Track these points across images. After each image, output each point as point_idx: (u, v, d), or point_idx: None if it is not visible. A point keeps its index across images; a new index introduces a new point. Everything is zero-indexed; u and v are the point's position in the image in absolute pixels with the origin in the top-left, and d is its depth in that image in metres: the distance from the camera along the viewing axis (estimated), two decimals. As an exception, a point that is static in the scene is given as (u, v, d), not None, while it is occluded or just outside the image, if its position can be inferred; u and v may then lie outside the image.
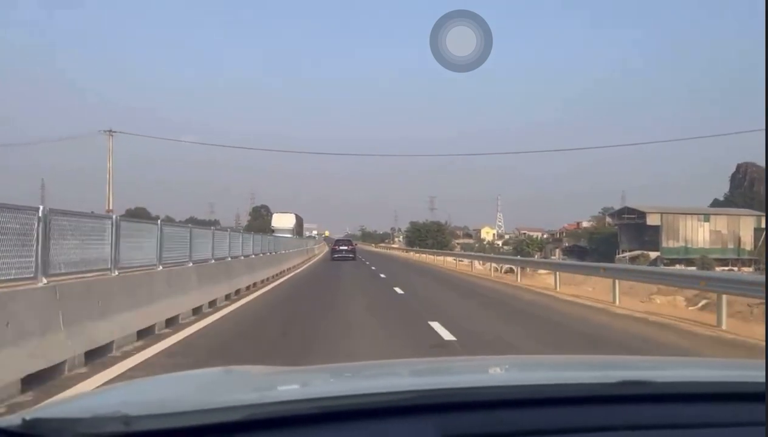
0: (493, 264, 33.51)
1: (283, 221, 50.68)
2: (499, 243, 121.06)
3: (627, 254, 58.45)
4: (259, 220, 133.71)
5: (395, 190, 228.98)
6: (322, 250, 62.12)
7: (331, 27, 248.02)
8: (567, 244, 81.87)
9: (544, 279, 25.14)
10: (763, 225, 53.52)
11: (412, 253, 57.36)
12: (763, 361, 1.47)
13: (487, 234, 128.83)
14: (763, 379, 1.23)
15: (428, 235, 76.17)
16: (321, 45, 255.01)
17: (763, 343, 7.73)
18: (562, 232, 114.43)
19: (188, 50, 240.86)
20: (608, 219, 73.29)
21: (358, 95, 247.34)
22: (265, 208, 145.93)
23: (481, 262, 33.49)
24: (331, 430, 1.09)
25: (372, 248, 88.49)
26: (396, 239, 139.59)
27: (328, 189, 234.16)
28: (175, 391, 1.43)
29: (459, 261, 37.47)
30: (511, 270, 32.85)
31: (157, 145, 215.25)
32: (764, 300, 9.77)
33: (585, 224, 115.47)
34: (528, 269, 25.81)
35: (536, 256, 63.98)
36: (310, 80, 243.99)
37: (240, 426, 1.05)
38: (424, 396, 1.20)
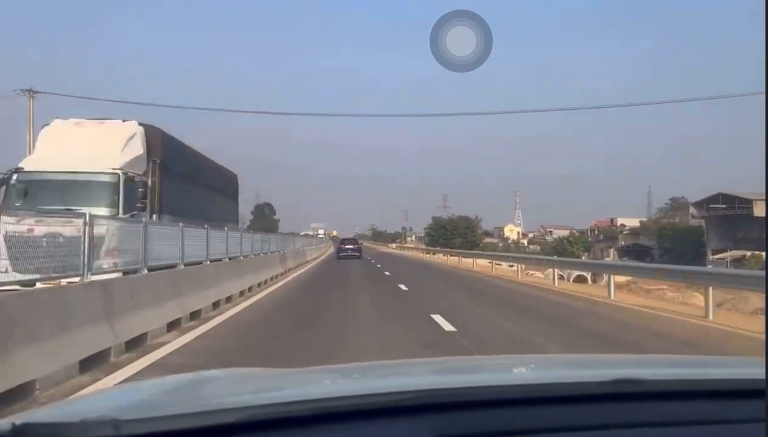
0: (550, 269, 23.24)
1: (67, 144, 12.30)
2: (524, 242, 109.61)
3: (727, 255, 45.85)
4: (262, 220, 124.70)
5: (405, 189, 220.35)
6: (326, 251, 52.31)
7: (336, 24, 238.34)
8: (623, 243, 68.93)
9: (693, 299, 16.97)
10: None
11: (439, 255, 45.10)
12: (761, 358, 1.50)
13: (511, 232, 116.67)
14: (760, 376, 1.22)
15: (455, 233, 63.94)
16: (321, 42, 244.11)
17: None
18: (594, 230, 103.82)
19: (187, 48, 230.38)
20: (692, 211, 59.63)
21: (358, 93, 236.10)
22: (269, 206, 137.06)
23: (523, 266, 26.50)
24: (324, 432, 1.08)
25: (386, 249, 75.38)
26: (408, 238, 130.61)
27: (336, 189, 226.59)
28: (168, 394, 1.41)
29: (495, 264, 29.63)
30: (581, 279, 25.48)
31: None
32: None
33: (621, 220, 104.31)
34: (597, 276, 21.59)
35: (583, 257, 52.57)
36: (309, 79, 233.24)
37: (233, 428, 1.04)
38: (418, 396, 1.18)
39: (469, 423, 1.12)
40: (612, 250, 65.30)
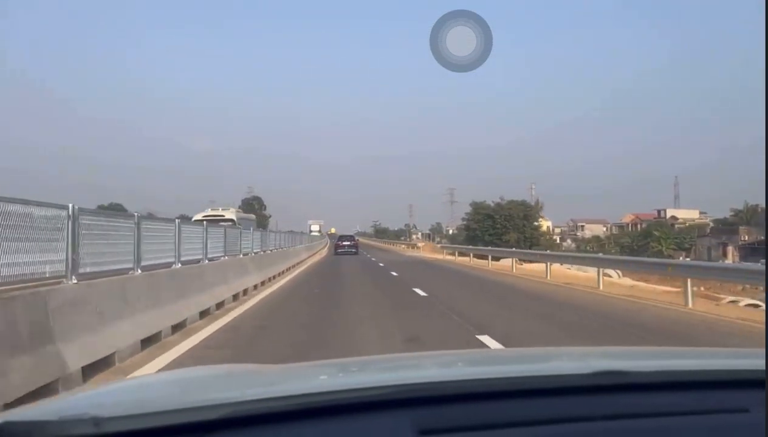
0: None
1: None
2: (556, 238, 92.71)
3: None
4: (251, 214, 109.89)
5: (409, 184, 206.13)
6: (314, 255, 38.75)
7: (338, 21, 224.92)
8: (746, 238, 50.33)
9: None
10: None
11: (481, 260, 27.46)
12: (758, 350, 1.48)
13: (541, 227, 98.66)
14: (753, 367, 1.23)
15: (508, 225, 45.22)
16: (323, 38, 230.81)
17: None
18: (637, 223, 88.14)
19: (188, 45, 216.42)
20: None
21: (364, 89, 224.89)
22: (258, 199, 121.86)
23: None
24: (307, 427, 1.07)
25: (410, 251, 55.44)
26: (414, 236, 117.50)
27: (337, 185, 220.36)
28: (152, 392, 1.40)
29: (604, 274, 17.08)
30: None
31: (150, 141, 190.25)
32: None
33: (672, 211, 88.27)
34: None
35: (681, 258, 35.84)
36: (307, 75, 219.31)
37: (216, 424, 1.02)
38: (400, 390, 1.18)
39: (452, 417, 1.10)
40: (731, 249, 47.54)
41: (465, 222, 47.69)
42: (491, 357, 2.11)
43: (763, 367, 1.19)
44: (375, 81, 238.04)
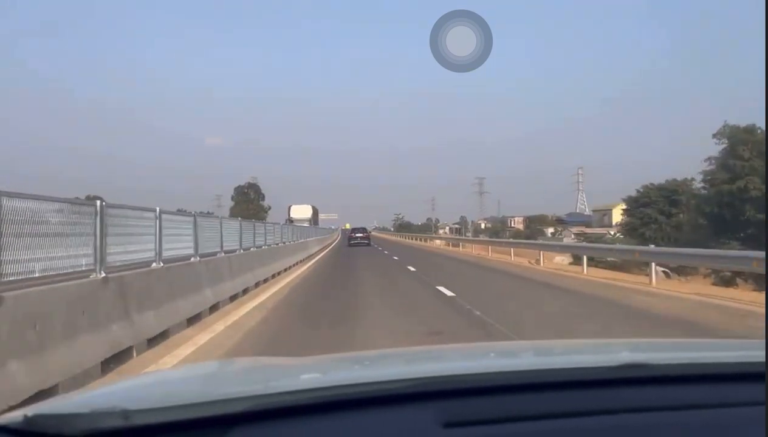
0: None
1: None
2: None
3: None
4: (245, 205, 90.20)
5: (430, 178, 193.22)
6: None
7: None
8: None
9: None
10: None
11: None
12: (763, 341, 1.48)
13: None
14: (761, 359, 1.24)
15: None
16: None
17: None
18: None
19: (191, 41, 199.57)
20: None
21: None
22: (254, 187, 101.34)
23: None
24: (330, 420, 1.08)
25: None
26: (441, 230, 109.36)
27: (357, 181, 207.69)
28: (177, 385, 1.42)
29: None
30: None
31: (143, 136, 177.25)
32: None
33: None
34: None
35: None
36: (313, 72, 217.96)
37: (241, 417, 1.05)
38: (424, 383, 1.20)
39: (477, 410, 1.11)
40: None
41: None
42: (514, 350, 2.12)
43: None
44: (388, 74, 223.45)
